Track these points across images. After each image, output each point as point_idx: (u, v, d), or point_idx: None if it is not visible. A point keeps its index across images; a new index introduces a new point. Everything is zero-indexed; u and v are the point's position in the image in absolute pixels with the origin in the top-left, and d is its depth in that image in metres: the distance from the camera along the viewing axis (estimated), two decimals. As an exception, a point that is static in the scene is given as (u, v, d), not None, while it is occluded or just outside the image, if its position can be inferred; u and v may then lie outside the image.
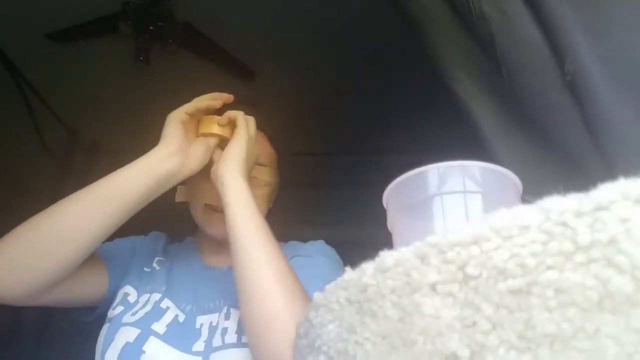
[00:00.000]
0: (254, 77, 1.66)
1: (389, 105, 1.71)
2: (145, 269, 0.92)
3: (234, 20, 1.47)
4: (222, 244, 0.93)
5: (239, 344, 0.78)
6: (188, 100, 0.87)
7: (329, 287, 0.33)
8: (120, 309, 0.84)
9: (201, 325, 0.83)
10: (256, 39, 1.53)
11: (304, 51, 1.57)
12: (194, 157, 0.79)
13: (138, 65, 1.49)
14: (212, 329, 0.82)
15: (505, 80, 0.54)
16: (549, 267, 0.23)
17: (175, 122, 0.78)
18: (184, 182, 0.85)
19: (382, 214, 0.50)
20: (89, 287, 0.84)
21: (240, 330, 0.80)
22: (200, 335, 0.81)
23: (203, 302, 0.86)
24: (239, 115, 0.82)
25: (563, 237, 0.23)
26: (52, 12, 1.41)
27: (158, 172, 0.74)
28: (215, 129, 0.82)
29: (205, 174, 0.85)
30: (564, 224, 0.23)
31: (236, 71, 1.63)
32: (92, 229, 0.71)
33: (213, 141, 0.82)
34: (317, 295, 0.35)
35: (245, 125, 0.81)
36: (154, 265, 0.93)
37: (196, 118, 0.81)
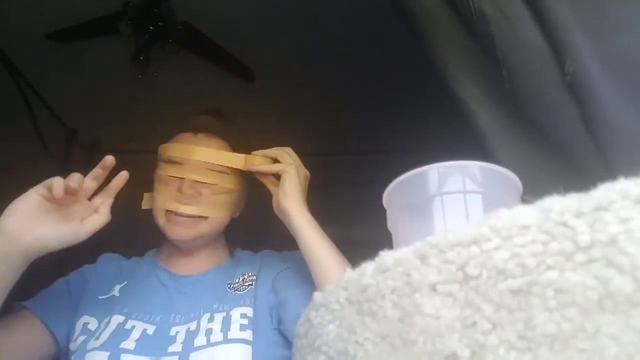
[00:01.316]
0: (253, 77, 1.66)
1: (389, 105, 1.71)
2: (100, 296, 0.91)
3: (234, 20, 1.47)
4: (189, 250, 0.96)
5: (225, 340, 0.80)
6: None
7: (329, 287, 0.33)
8: (82, 338, 0.83)
9: (177, 332, 0.83)
10: (256, 39, 1.53)
11: (304, 51, 1.57)
12: (44, 234, 0.71)
13: (138, 65, 1.49)
14: (191, 333, 0.82)
15: (505, 80, 0.53)
16: (549, 267, 0.23)
17: (28, 196, 0.72)
18: (150, 189, 0.92)
19: (382, 214, 0.50)
20: (28, 345, 0.82)
21: (225, 329, 0.81)
22: (176, 340, 0.81)
23: (179, 314, 0.86)
24: (278, 153, 0.90)
25: (563, 237, 0.23)
26: (52, 12, 1.41)
27: None
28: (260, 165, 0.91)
29: (163, 181, 0.91)
30: (564, 224, 0.23)
31: (236, 71, 1.63)
32: None
33: (92, 221, 0.75)
34: (317, 295, 0.35)
35: (289, 157, 0.89)
36: (112, 292, 0.92)
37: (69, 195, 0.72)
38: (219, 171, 0.93)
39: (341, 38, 1.49)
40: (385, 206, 0.48)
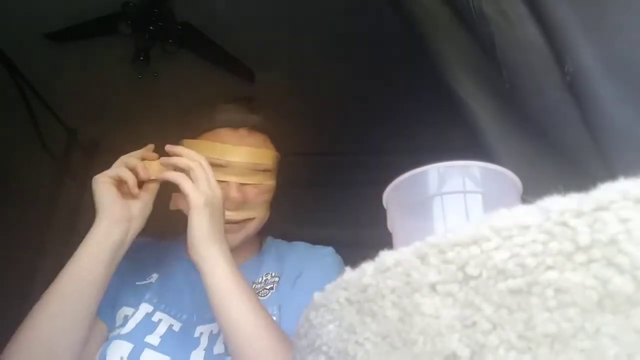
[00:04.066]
0: (253, 77, 1.66)
1: (389, 105, 1.71)
2: (138, 282, 0.89)
3: (234, 20, 1.47)
4: None
5: None
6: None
7: (329, 287, 0.33)
8: (118, 330, 0.81)
9: (200, 334, 0.80)
10: (256, 39, 1.53)
11: (304, 51, 1.57)
12: (137, 218, 0.75)
13: (138, 65, 1.49)
14: (213, 337, 0.79)
15: (505, 80, 0.54)
16: (549, 267, 0.23)
17: (105, 189, 0.73)
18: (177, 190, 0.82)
19: (382, 214, 0.50)
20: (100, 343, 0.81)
21: None
22: (199, 344, 0.79)
23: (204, 312, 0.83)
24: (176, 175, 0.73)
25: (563, 237, 0.23)
26: (52, 12, 1.41)
27: (108, 247, 0.71)
28: (157, 173, 0.77)
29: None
30: (564, 224, 0.23)
31: (236, 71, 1.63)
32: (76, 327, 0.69)
33: (152, 188, 0.78)
34: (317, 296, 0.35)
35: (192, 186, 0.71)
36: (148, 279, 0.89)
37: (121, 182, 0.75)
38: (262, 170, 0.87)
39: (341, 38, 1.49)
40: (385, 206, 0.48)
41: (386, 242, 0.43)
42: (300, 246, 0.98)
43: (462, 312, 0.25)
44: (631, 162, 0.42)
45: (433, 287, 0.26)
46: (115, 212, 0.72)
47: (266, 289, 0.87)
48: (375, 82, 1.64)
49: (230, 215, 0.84)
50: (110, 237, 0.71)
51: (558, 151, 0.52)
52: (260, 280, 0.89)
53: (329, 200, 1.77)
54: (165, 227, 0.97)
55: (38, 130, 1.74)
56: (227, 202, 0.80)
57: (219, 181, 0.79)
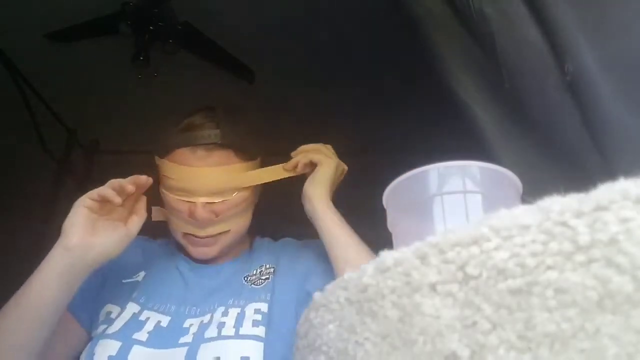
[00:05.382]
0: (253, 77, 1.66)
1: (389, 105, 1.71)
2: (124, 280, 0.89)
3: (234, 20, 1.47)
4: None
5: (237, 335, 0.77)
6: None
7: (329, 287, 0.33)
8: (102, 327, 0.81)
9: (190, 325, 0.81)
10: (256, 39, 1.53)
11: (304, 51, 1.57)
12: (104, 245, 0.73)
13: (138, 65, 1.49)
14: (204, 325, 0.80)
15: (505, 80, 0.53)
16: (549, 267, 0.23)
17: (75, 212, 0.73)
18: (160, 204, 0.87)
19: (382, 214, 0.50)
20: (72, 349, 0.83)
21: (238, 325, 0.79)
22: (189, 332, 0.80)
23: (194, 307, 0.84)
24: (318, 148, 0.88)
25: (563, 237, 0.23)
26: (52, 12, 1.41)
27: (61, 268, 0.71)
28: (283, 174, 0.89)
29: (172, 204, 0.84)
30: (564, 224, 0.23)
31: (236, 71, 1.63)
32: (34, 338, 0.70)
33: (134, 223, 0.77)
34: (317, 295, 0.35)
35: (331, 153, 0.88)
36: (136, 277, 0.90)
37: (106, 204, 0.75)
38: (233, 181, 0.85)
39: (341, 38, 1.49)
40: (385, 206, 0.48)
41: (386, 242, 0.43)
42: (291, 240, 1.00)
43: (462, 312, 0.25)
44: (631, 162, 0.42)
45: (433, 287, 0.26)
46: (72, 238, 0.71)
47: (261, 279, 0.88)
48: (375, 83, 1.64)
49: (201, 232, 0.85)
50: (62, 259, 0.71)
51: (558, 151, 0.52)
52: (254, 273, 0.90)
53: (329, 200, 1.76)
54: (156, 229, 0.98)
55: (38, 130, 1.74)
56: (196, 222, 0.83)
57: (186, 201, 0.83)
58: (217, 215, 0.84)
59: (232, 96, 1.69)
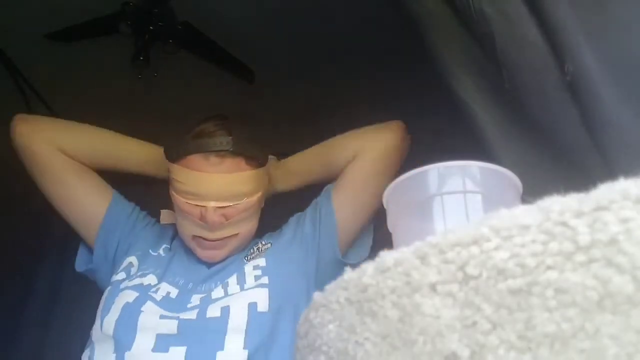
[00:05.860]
0: (253, 77, 1.66)
1: (389, 105, 1.71)
2: (151, 251, 0.97)
3: (234, 20, 1.47)
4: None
5: (242, 290, 0.84)
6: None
7: (329, 287, 0.33)
8: (122, 275, 0.91)
9: (195, 300, 0.87)
10: (256, 39, 1.53)
11: (304, 51, 1.57)
12: None
13: (138, 65, 1.49)
14: (206, 300, 0.86)
15: (505, 80, 0.53)
16: (549, 267, 0.23)
17: None
18: (169, 207, 0.97)
19: (382, 214, 0.50)
20: (90, 198, 0.97)
21: (242, 282, 0.86)
22: (192, 301, 0.86)
23: (199, 284, 0.90)
24: None
25: (563, 237, 0.23)
26: (52, 12, 1.41)
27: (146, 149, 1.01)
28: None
29: (183, 207, 0.89)
30: (564, 224, 0.23)
31: (236, 71, 1.63)
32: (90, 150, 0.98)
33: None
34: (317, 295, 0.35)
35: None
36: (160, 251, 0.97)
37: None
38: (244, 188, 0.88)
39: (341, 38, 1.49)
40: (385, 206, 0.48)
41: (386, 242, 0.43)
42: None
43: (462, 312, 0.25)
44: (631, 162, 0.42)
45: (433, 287, 0.26)
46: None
47: (261, 252, 0.95)
48: (376, 83, 1.64)
49: (210, 235, 0.89)
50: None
51: (558, 151, 0.52)
52: (253, 251, 0.95)
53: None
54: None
55: (38, 130, 1.74)
56: (206, 225, 0.87)
57: (197, 205, 0.87)
58: (227, 219, 0.88)
59: (232, 96, 1.69)
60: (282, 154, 1.05)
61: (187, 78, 1.69)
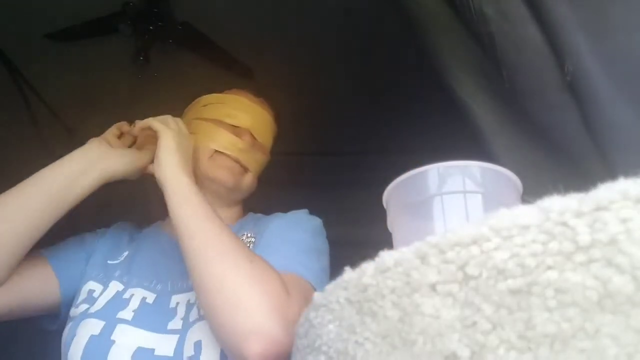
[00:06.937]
0: (253, 76, 1.66)
1: (389, 105, 1.71)
2: (110, 261, 0.89)
3: (234, 20, 1.47)
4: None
5: None
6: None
7: (329, 287, 0.33)
8: (84, 306, 0.80)
9: (177, 304, 0.79)
10: (256, 39, 1.53)
11: (303, 51, 1.57)
12: (115, 159, 0.84)
13: (138, 65, 1.49)
14: (190, 306, 0.78)
15: (505, 80, 0.53)
16: (549, 267, 0.23)
17: (98, 138, 0.87)
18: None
19: (382, 214, 0.50)
20: (37, 291, 0.82)
21: None
22: (176, 314, 0.77)
23: (178, 281, 0.82)
24: (151, 122, 0.84)
25: (563, 237, 0.23)
26: (52, 12, 1.41)
27: (73, 167, 0.84)
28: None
29: (219, 124, 0.95)
30: (564, 224, 0.23)
31: (236, 71, 1.63)
32: (31, 227, 0.77)
33: (143, 154, 0.88)
34: (317, 295, 0.35)
35: (164, 126, 0.82)
36: (120, 258, 0.90)
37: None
38: (267, 135, 1.00)
39: (341, 38, 1.49)
40: (385, 206, 0.48)
41: (386, 242, 0.43)
42: (277, 213, 0.98)
43: (462, 312, 0.25)
44: (631, 162, 0.42)
45: (433, 287, 0.26)
46: (91, 144, 0.84)
47: None
48: (376, 82, 1.64)
49: (239, 153, 0.93)
50: (75, 161, 0.82)
51: (558, 151, 0.52)
52: None
53: (329, 200, 1.76)
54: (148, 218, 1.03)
55: (38, 130, 1.74)
56: (238, 142, 0.93)
57: (233, 126, 0.95)
58: (254, 145, 0.96)
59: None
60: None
61: (187, 78, 1.69)
